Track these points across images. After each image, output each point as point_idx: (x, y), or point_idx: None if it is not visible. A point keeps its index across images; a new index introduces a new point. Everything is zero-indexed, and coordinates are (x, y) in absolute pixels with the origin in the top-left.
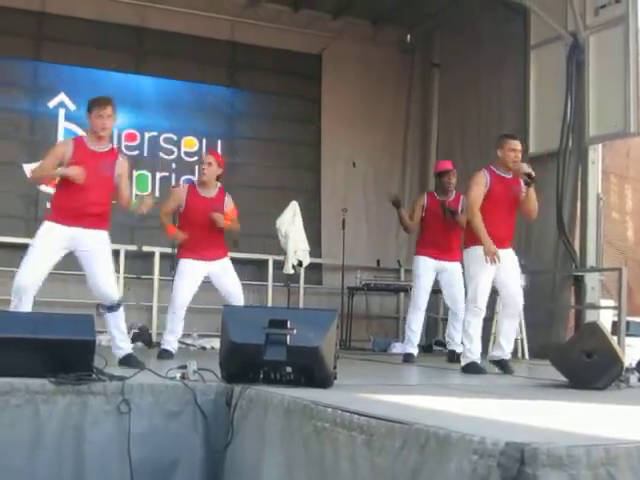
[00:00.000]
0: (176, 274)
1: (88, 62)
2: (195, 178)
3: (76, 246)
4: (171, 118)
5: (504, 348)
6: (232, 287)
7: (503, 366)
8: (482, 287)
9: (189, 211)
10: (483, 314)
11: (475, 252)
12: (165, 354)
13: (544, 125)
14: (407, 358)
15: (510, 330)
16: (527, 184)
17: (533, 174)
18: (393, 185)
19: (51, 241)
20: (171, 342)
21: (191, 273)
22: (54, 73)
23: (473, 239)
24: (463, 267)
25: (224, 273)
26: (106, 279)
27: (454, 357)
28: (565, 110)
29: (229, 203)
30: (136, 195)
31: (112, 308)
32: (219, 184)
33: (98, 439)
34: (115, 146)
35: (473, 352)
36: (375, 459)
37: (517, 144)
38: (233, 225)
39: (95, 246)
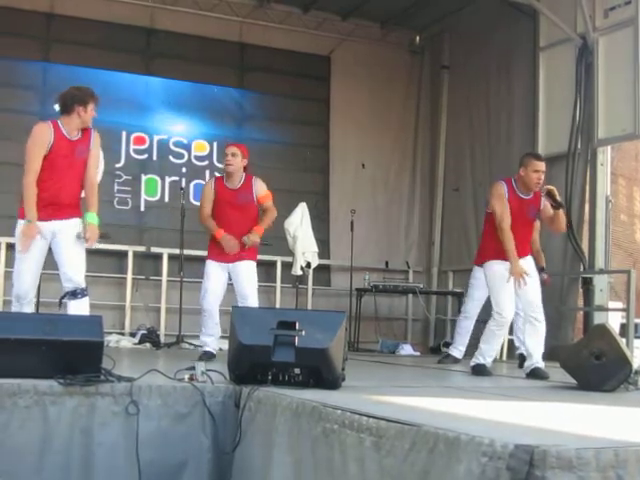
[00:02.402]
0: (204, 275)
1: (97, 63)
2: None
3: (54, 237)
4: (180, 120)
5: (533, 357)
6: (247, 291)
7: (537, 375)
8: (507, 296)
9: (219, 202)
10: (509, 325)
11: (492, 267)
12: (204, 356)
13: (553, 127)
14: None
15: (536, 345)
16: (554, 207)
17: (559, 199)
18: (402, 186)
19: (35, 242)
20: (208, 343)
21: (217, 274)
22: (63, 74)
23: (490, 254)
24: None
25: (243, 277)
26: (70, 260)
27: (523, 362)
28: (574, 112)
29: (261, 189)
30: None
31: (75, 294)
32: (244, 175)
33: (106, 440)
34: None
35: (485, 356)
36: (383, 461)
37: (542, 165)
38: (267, 223)
39: (67, 232)
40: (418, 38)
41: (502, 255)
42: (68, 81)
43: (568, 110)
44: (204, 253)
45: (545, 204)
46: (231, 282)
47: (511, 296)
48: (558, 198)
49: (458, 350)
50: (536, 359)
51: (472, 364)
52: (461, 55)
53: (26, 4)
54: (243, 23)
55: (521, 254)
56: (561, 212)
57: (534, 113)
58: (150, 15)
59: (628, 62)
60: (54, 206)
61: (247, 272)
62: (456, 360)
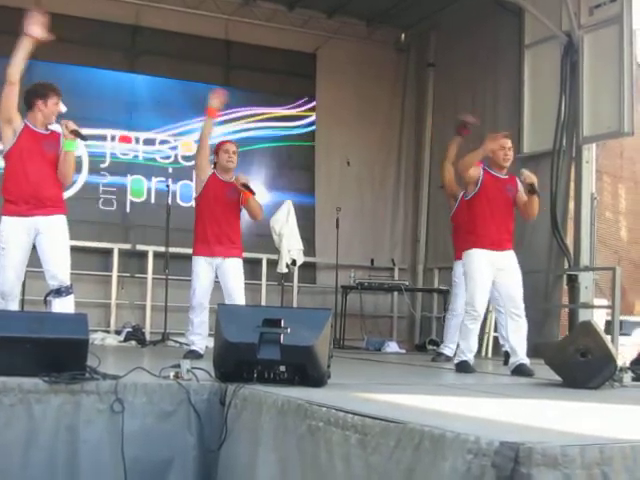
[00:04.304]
0: (192, 274)
1: (82, 61)
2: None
3: (37, 234)
4: (166, 119)
5: (518, 353)
6: (235, 289)
7: (522, 371)
8: (480, 289)
9: (208, 194)
10: (481, 318)
11: (470, 256)
12: (191, 354)
13: (538, 124)
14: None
15: (519, 341)
16: (530, 192)
17: (535, 185)
18: (388, 184)
19: (18, 237)
20: (195, 342)
21: (205, 272)
22: (48, 72)
23: (469, 242)
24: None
25: (230, 274)
26: (55, 258)
27: (508, 359)
28: (559, 110)
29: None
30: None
31: (60, 292)
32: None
33: (92, 438)
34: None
35: (466, 352)
36: (369, 458)
37: (506, 142)
38: (257, 203)
39: (50, 229)
40: (404, 36)
41: (481, 243)
42: (53, 79)
43: (553, 108)
44: (189, 251)
45: (521, 190)
46: (217, 280)
47: (485, 290)
48: (536, 187)
49: (449, 348)
50: (520, 355)
51: (455, 362)
52: (446, 53)
53: (11, 1)
54: (229, 21)
55: (502, 246)
56: (536, 197)
57: (519, 111)
58: (135, 12)
59: (613, 60)
60: (35, 201)
61: (234, 270)
62: (448, 358)
